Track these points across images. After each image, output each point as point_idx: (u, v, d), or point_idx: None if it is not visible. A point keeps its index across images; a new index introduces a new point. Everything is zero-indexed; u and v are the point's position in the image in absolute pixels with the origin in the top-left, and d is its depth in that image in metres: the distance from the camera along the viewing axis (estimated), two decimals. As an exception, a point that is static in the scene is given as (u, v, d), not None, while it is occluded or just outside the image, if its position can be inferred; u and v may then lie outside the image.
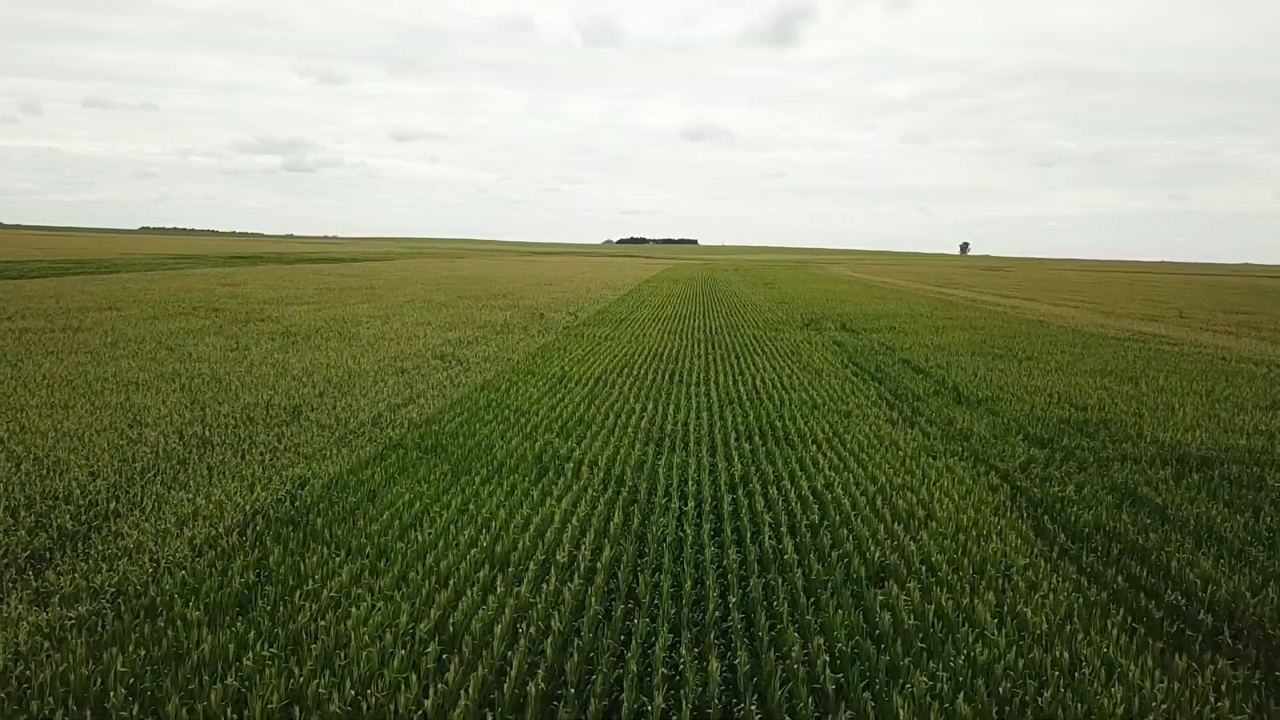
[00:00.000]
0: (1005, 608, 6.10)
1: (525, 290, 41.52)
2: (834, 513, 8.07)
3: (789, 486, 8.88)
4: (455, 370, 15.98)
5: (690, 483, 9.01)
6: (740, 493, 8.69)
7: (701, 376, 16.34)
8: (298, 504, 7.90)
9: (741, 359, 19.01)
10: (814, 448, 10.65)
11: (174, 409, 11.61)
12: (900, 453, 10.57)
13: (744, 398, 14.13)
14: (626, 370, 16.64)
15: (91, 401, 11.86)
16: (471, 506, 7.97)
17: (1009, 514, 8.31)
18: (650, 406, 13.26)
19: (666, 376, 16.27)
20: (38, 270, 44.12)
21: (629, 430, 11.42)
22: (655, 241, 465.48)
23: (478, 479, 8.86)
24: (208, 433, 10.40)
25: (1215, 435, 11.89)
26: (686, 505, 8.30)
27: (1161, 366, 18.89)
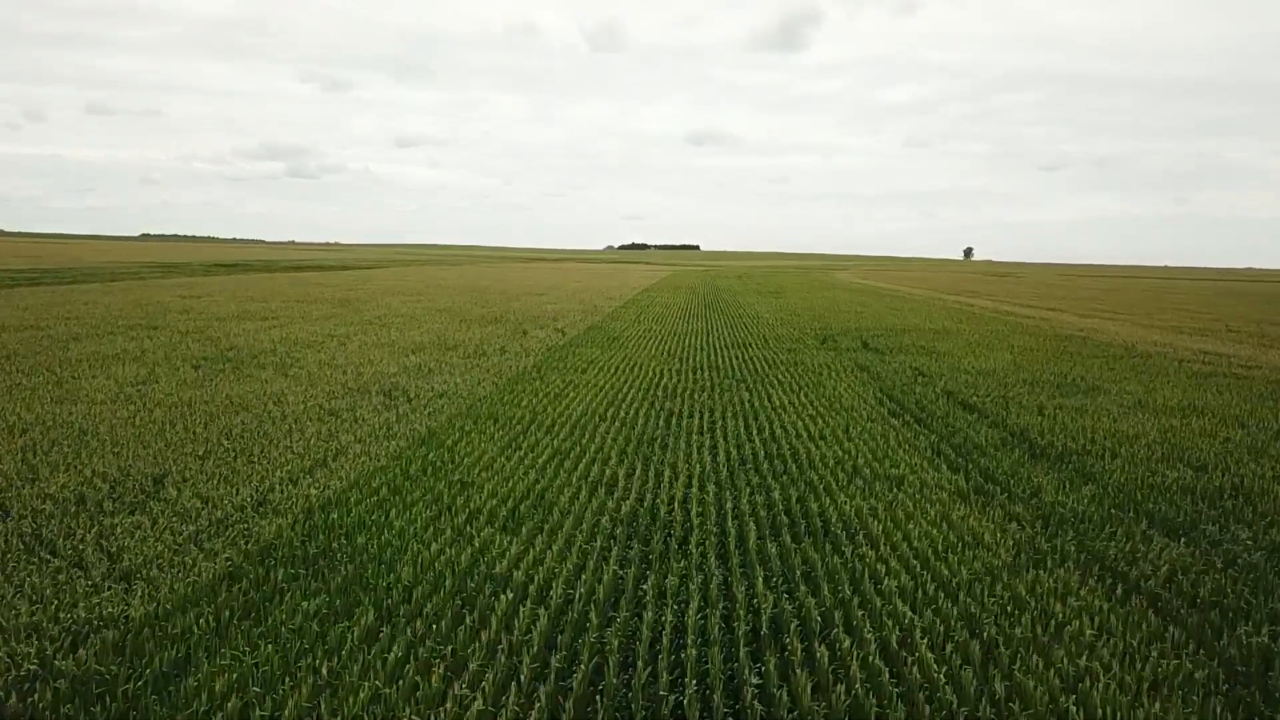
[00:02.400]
0: None
1: (514, 302, 38.34)
2: (927, 708, 4.87)
3: (846, 642, 5.65)
4: (398, 411, 12.79)
5: (691, 634, 5.79)
6: (770, 658, 5.47)
7: (705, 420, 13.13)
8: (31, 702, 4.72)
9: (753, 392, 15.80)
10: (870, 552, 7.43)
11: (-17, 485, 8.45)
12: (992, 557, 7.37)
13: (760, 455, 10.94)
14: (612, 411, 13.44)
15: (-126, 474, 8.70)
16: (323, 703, 4.79)
17: (1204, 697, 5.12)
18: (638, 469, 10.09)
19: (662, 420, 13.07)
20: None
21: (604, 518, 8.21)
22: (657, 247, 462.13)
23: (357, 631, 5.66)
24: (-1, 531, 7.24)
25: (1407, 516, 8.68)
26: (683, 690, 5.10)
27: (1259, 399, 15.67)
